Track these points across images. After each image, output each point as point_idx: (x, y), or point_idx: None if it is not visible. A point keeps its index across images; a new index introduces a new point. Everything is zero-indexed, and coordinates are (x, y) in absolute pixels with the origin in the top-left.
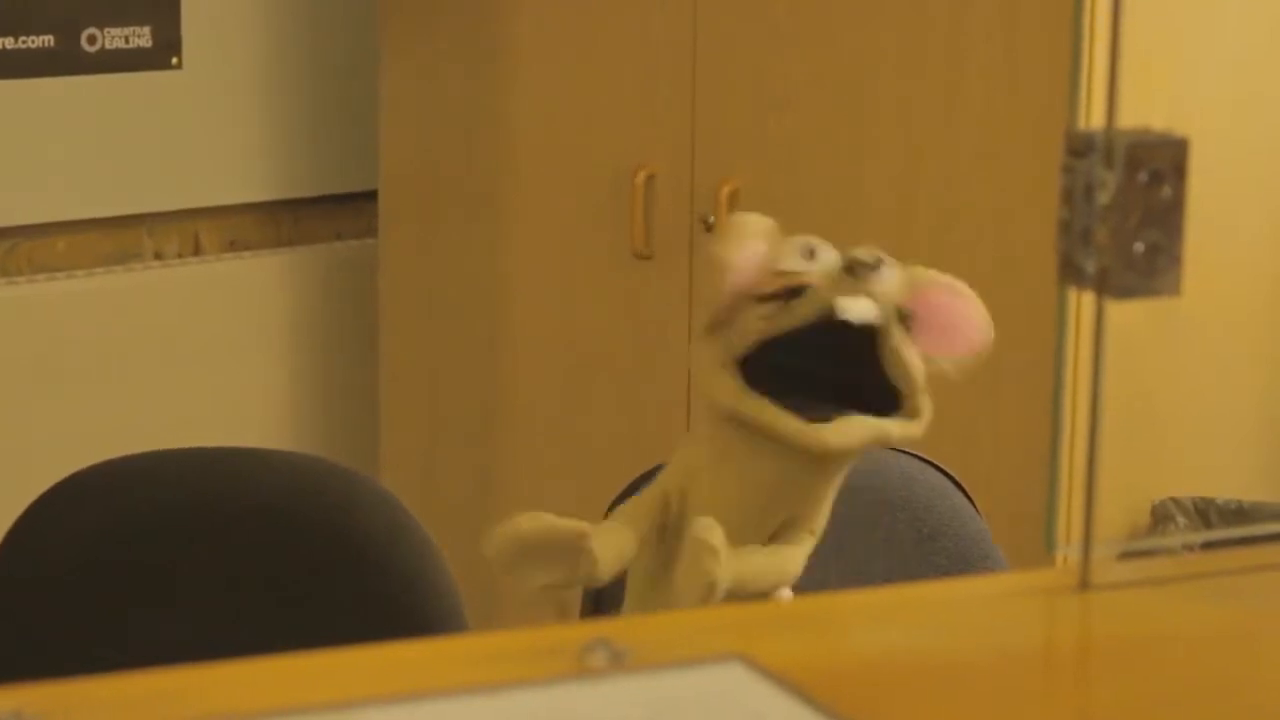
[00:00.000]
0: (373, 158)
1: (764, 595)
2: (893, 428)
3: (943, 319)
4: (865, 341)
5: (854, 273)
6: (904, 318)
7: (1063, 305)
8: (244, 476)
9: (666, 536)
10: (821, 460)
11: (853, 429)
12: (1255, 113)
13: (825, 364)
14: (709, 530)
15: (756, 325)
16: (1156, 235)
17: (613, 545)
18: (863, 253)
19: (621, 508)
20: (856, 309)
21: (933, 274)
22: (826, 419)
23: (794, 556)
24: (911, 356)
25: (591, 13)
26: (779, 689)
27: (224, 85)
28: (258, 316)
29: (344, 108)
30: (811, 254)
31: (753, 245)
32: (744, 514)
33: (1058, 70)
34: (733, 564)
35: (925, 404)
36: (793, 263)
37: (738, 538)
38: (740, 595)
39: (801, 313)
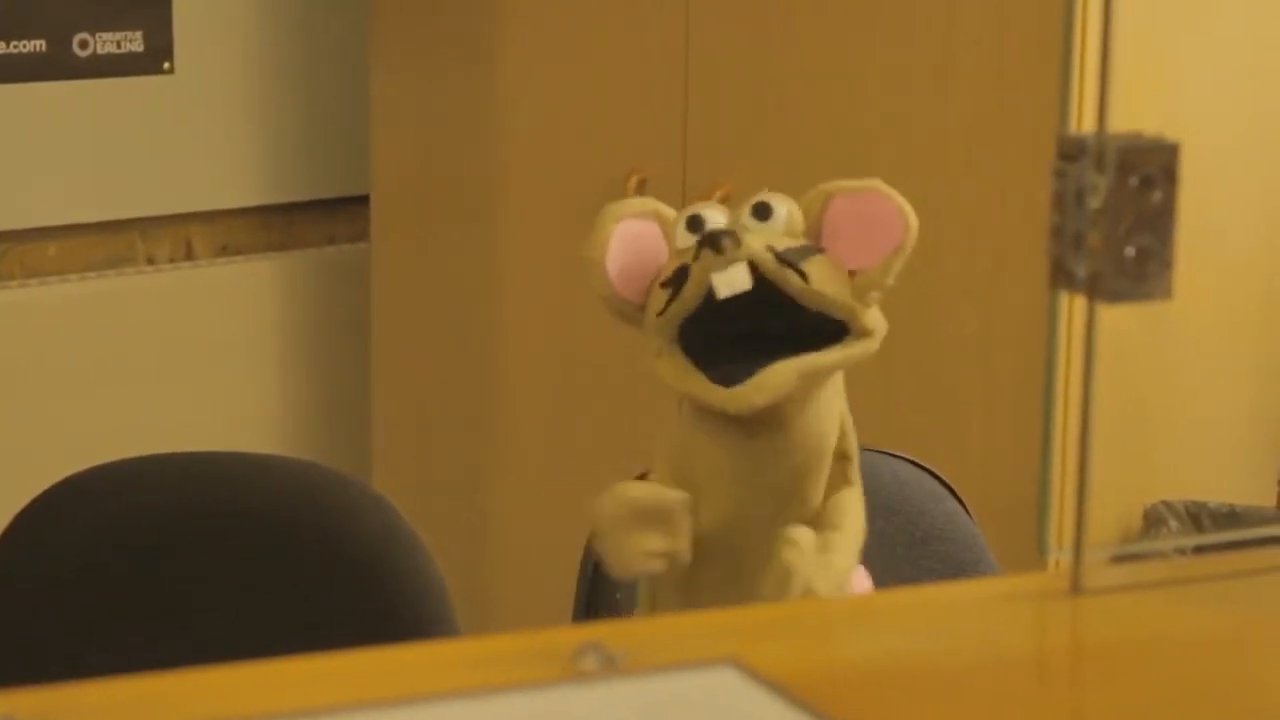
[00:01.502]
0: (365, 162)
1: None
2: (826, 357)
3: (855, 226)
4: (768, 293)
5: (715, 246)
6: (790, 257)
7: (1054, 309)
8: (236, 481)
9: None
10: (760, 422)
11: (775, 378)
12: (1246, 117)
13: (748, 321)
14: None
15: (661, 317)
16: (1148, 240)
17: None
18: (744, 211)
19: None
20: (729, 281)
21: (838, 183)
22: (743, 378)
23: (851, 553)
24: (827, 288)
25: (584, 17)
26: (772, 693)
27: (216, 90)
28: (250, 321)
29: (336, 112)
30: (696, 225)
31: (623, 229)
32: (745, 490)
33: (1049, 75)
34: (827, 578)
35: (872, 319)
36: (682, 239)
37: (751, 515)
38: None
39: (690, 299)
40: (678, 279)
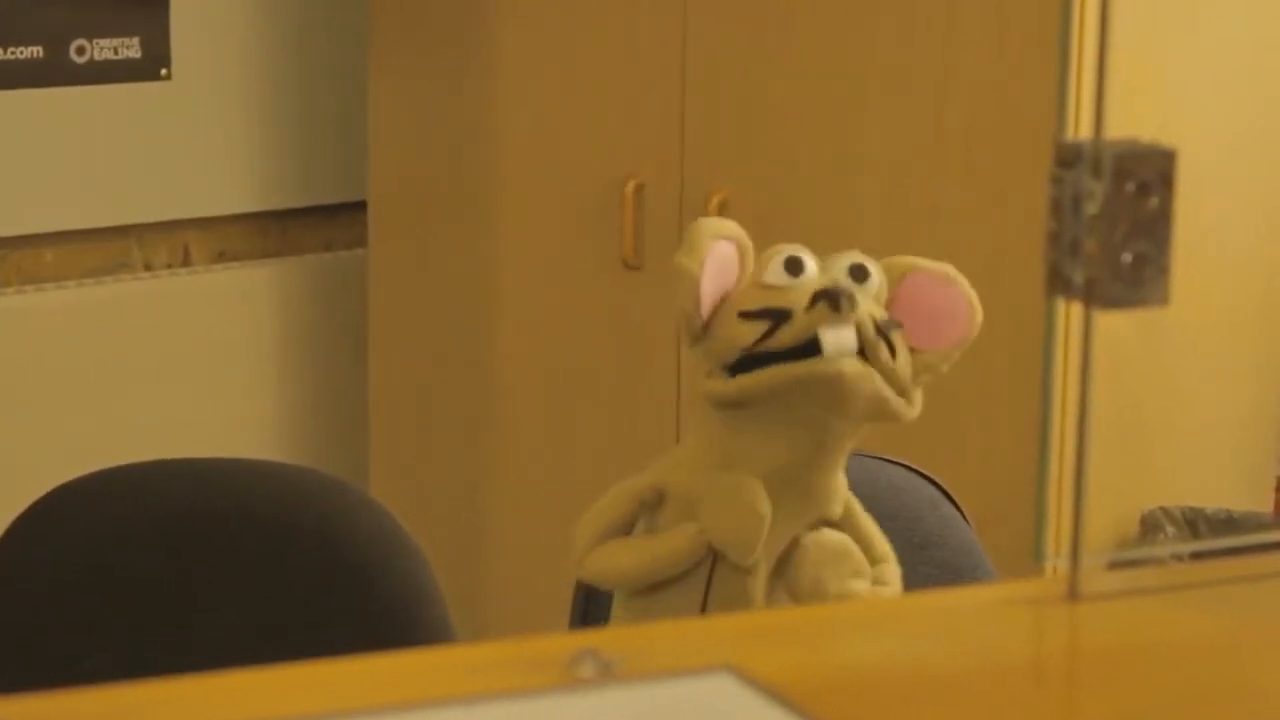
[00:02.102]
0: (362, 168)
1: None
2: (892, 394)
3: (928, 309)
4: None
5: (835, 304)
6: (885, 328)
7: (1051, 315)
8: (234, 487)
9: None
10: (828, 424)
11: (866, 370)
12: (1243, 124)
13: None
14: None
15: (740, 344)
16: (1144, 246)
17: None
18: (840, 268)
19: (600, 522)
20: (838, 342)
21: (918, 262)
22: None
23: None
24: (898, 367)
25: (580, 23)
26: (768, 700)
27: (213, 96)
28: (247, 327)
29: (333, 118)
30: (795, 268)
31: (717, 249)
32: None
33: (1046, 81)
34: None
35: (916, 398)
36: (776, 277)
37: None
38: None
39: (784, 340)
40: (773, 317)
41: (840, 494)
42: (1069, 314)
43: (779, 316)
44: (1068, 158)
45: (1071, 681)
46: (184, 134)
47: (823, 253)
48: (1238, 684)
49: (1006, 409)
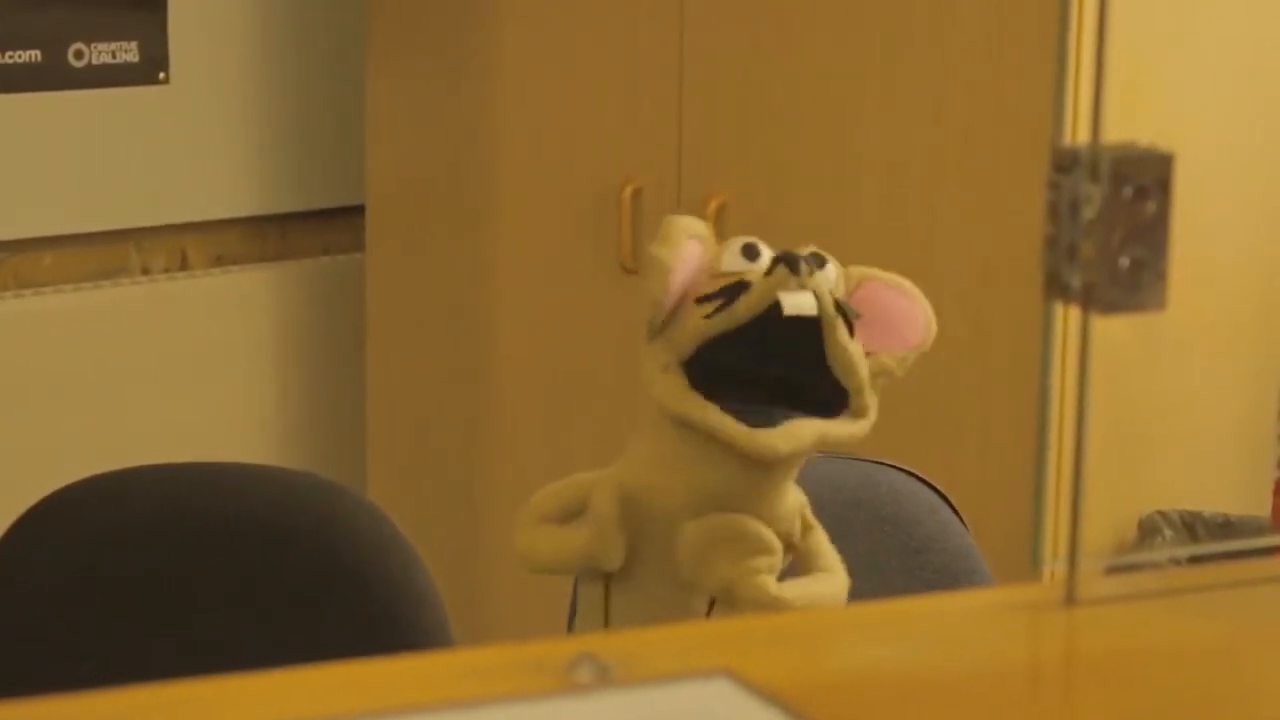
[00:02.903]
0: (360, 172)
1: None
2: (837, 428)
3: (883, 314)
4: (808, 338)
5: (793, 267)
6: (846, 314)
7: (1048, 320)
8: (231, 491)
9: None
10: (767, 466)
11: (801, 432)
12: (1240, 128)
13: (768, 362)
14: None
15: (698, 325)
16: (1141, 250)
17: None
18: (801, 251)
19: (543, 506)
20: (798, 302)
21: (874, 270)
22: (771, 421)
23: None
24: (855, 351)
25: (578, 27)
26: (766, 704)
27: (211, 100)
28: (245, 331)
29: (331, 122)
30: (752, 253)
31: (689, 246)
32: (705, 510)
33: (1043, 84)
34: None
35: (871, 401)
36: (733, 263)
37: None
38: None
39: (743, 309)
40: (729, 293)
41: (793, 509)
42: (1067, 318)
43: (737, 289)
44: (1065, 162)
45: (1069, 686)
46: (182, 138)
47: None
48: (1236, 688)
49: (1004, 413)
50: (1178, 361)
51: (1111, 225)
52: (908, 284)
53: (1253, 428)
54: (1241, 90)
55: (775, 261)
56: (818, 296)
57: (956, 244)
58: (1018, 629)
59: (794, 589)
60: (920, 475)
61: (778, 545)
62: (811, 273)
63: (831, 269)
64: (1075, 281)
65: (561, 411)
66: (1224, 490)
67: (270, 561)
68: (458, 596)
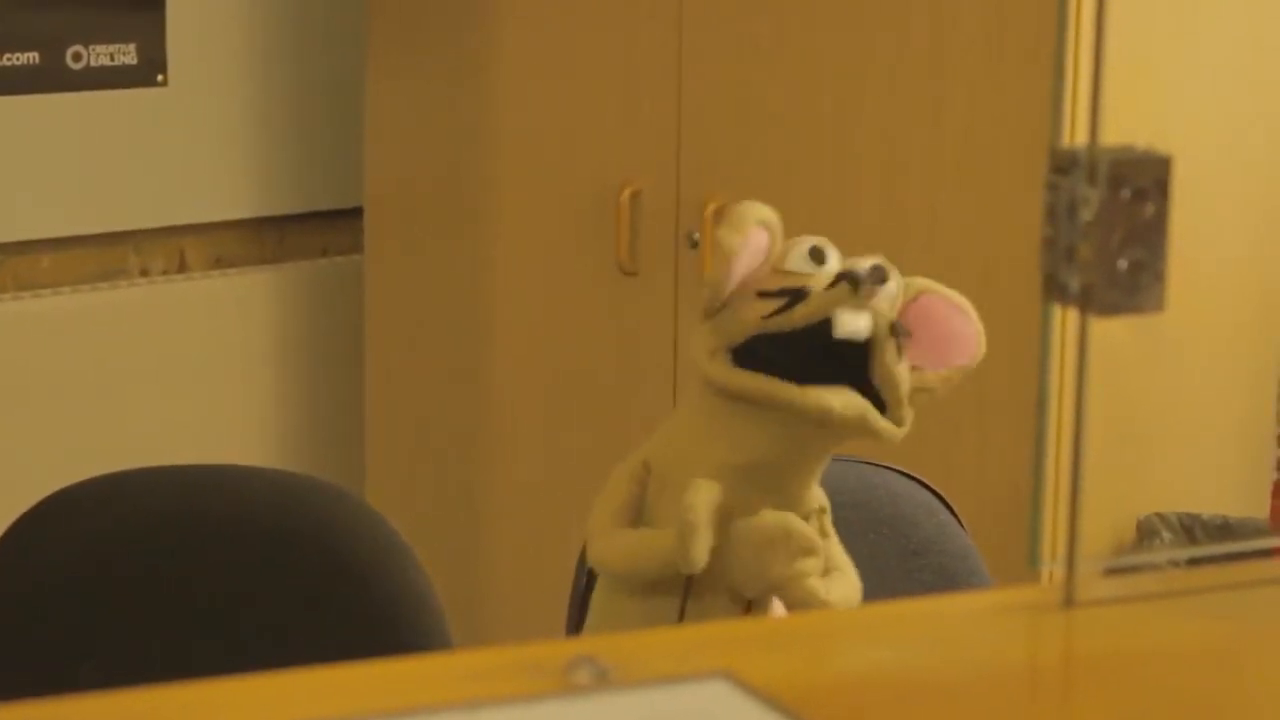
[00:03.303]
0: (358, 174)
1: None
2: (880, 420)
3: (936, 330)
4: (856, 352)
5: (855, 285)
6: (897, 331)
7: (1047, 322)
8: (229, 493)
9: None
10: (813, 434)
11: (853, 400)
12: (1238, 130)
13: (813, 365)
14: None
15: (754, 320)
16: (1140, 252)
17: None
18: (866, 265)
19: (607, 509)
20: (852, 325)
21: (934, 285)
22: (824, 384)
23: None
24: (900, 371)
25: (577, 30)
26: (764, 706)
27: (209, 102)
28: (244, 333)
29: (329, 124)
30: (818, 257)
31: (756, 234)
32: (733, 488)
33: (1041, 87)
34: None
35: (908, 414)
36: (798, 263)
37: (727, 511)
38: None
39: (799, 318)
40: (791, 295)
41: (815, 497)
42: (1065, 320)
43: (798, 295)
44: (1063, 164)
45: (1067, 688)
46: (180, 140)
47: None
48: (1234, 690)
49: (1003, 415)
50: (1176, 363)
51: (1110, 227)
52: (965, 302)
53: (1251, 429)
54: (1240, 92)
55: (839, 277)
56: (875, 319)
57: (955, 246)
58: (1016, 631)
59: (835, 592)
60: (919, 477)
61: (821, 545)
62: (873, 293)
63: (893, 283)
64: (1074, 283)
65: (560, 413)
66: (1222, 492)
67: (269, 563)
68: (456, 598)
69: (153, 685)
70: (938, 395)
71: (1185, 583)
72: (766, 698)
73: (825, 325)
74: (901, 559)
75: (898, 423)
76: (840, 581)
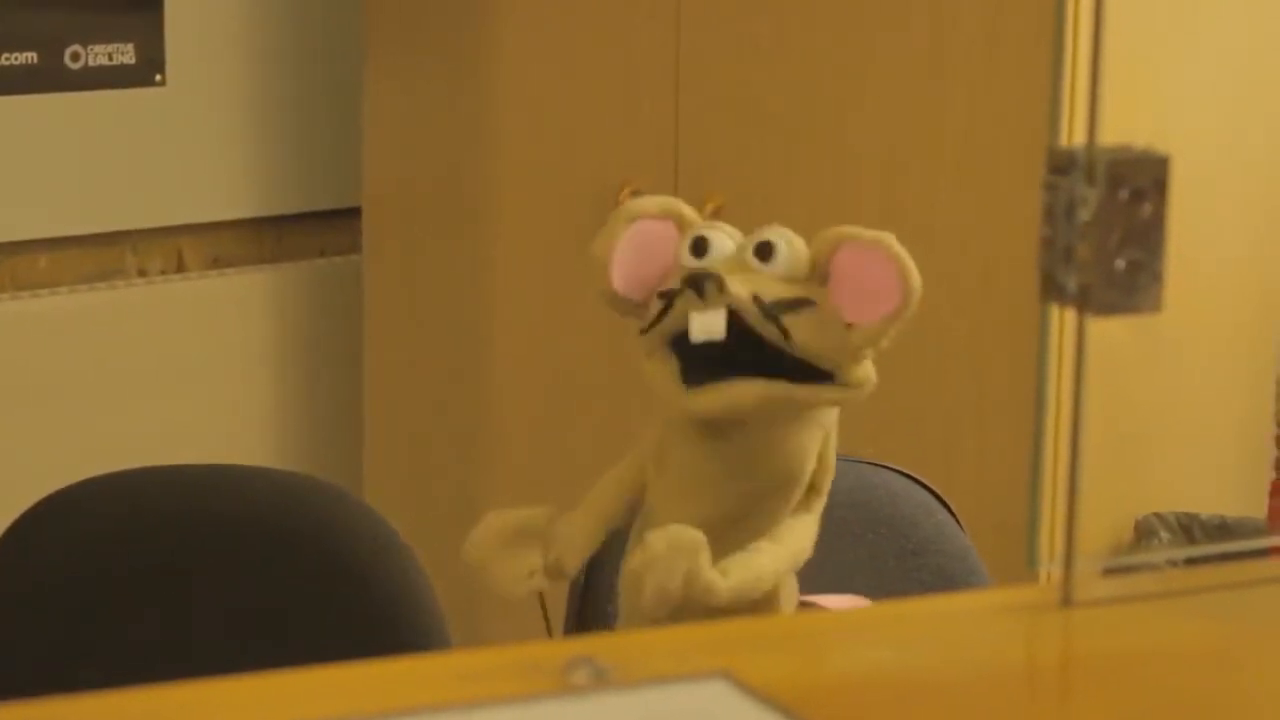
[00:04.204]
0: (357, 174)
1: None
2: (796, 391)
3: (857, 280)
4: (746, 337)
5: (699, 290)
6: (782, 308)
7: (1045, 322)
8: (228, 493)
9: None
10: (715, 429)
11: (733, 393)
12: (1236, 130)
13: (739, 355)
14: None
15: (648, 321)
16: (1138, 252)
17: (576, 532)
18: (747, 250)
19: (586, 497)
20: (705, 328)
21: (850, 230)
22: (701, 383)
23: (793, 541)
24: (809, 342)
25: (575, 29)
26: (763, 706)
27: (208, 102)
28: (242, 333)
29: (328, 124)
30: (699, 249)
31: (635, 231)
32: (701, 487)
33: (1039, 86)
34: (733, 576)
35: (858, 373)
36: (684, 258)
37: (702, 511)
38: (753, 597)
39: (668, 326)
40: (664, 302)
41: (807, 472)
42: (1063, 320)
43: (668, 302)
44: (1061, 164)
45: (1065, 688)
46: (178, 140)
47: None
48: (1232, 690)
49: (1001, 415)
50: (1174, 363)
51: (1108, 227)
52: (887, 241)
53: (1249, 429)
54: (1238, 92)
55: (682, 284)
56: (740, 311)
57: (953, 245)
58: (1014, 630)
59: (734, 575)
60: (917, 477)
61: (700, 539)
62: (720, 289)
63: (783, 253)
64: (1071, 283)
65: (559, 413)
66: (1221, 492)
67: (267, 563)
68: (455, 598)
69: (152, 685)
70: (881, 345)
71: (1183, 582)
72: (765, 698)
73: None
74: (900, 559)
75: (847, 384)
76: (747, 559)
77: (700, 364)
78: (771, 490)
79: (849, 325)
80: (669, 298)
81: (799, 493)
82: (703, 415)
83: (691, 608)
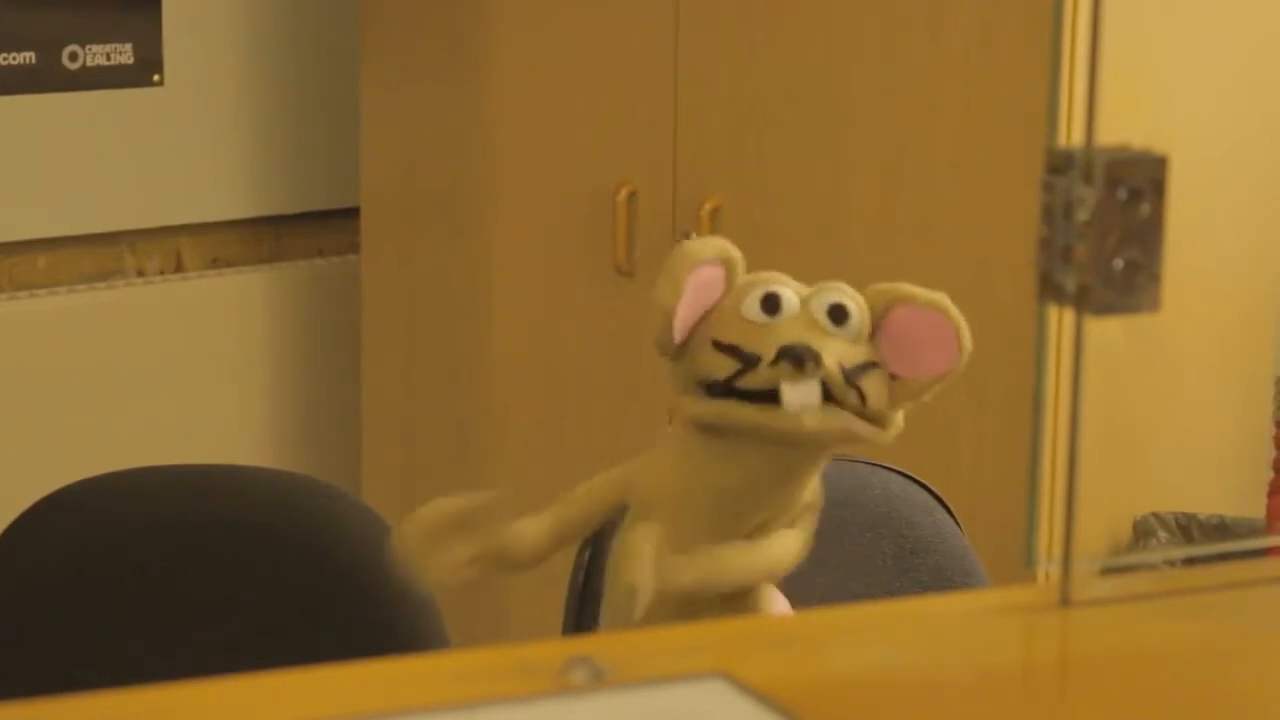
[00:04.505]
0: (354, 174)
1: (746, 589)
2: (863, 426)
3: (914, 341)
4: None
5: (798, 363)
6: (861, 373)
7: (1042, 322)
8: (226, 493)
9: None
10: (792, 455)
11: (829, 414)
12: (1234, 130)
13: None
14: (641, 539)
15: (710, 375)
16: (1136, 252)
17: (528, 529)
18: (819, 306)
19: (555, 503)
20: (800, 400)
21: (903, 292)
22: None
23: (772, 548)
24: (870, 406)
25: (573, 30)
26: (761, 706)
27: (205, 102)
28: (240, 333)
29: (325, 124)
30: (771, 307)
31: (699, 276)
32: (714, 519)
33: (1037, 86)
34: (698, 563)
35: (894, 421)
36: (752, 313)
37: (712, 541)
38: (718, 589)
39: (749, 384)
40: (743, 359)
41: (807, 496)
42: (1061, 320)
43: (747, 360)
44: (1059, 164)
45: (1063, 688)
46: (177, 140)
47: (815, 267)
48: (1230, 690)
49: (999, 415)
50: (1172, 363)
51: (1106, 227)
52: (941, 301)
53: (1247, 429)
54: (1236, 92)
55: (780, 354)
56: (827, 381)
57: (951, 246)
58: (1012, 631)
59: (688, 572)
60: (915, 477)
61: (654, 530)
62: (818, 365)
63: (854, 319)
64: (1069, 283)
65: (557, 414)
66: (1219, 492)
67: (265, 563)
68: (453, 598)
69: (150, 685)
70: (924, 400)
71: (1181, 582)
72: (763, 697)
73: (776, 394)
74: (897, 559)
75: (889, 428)
76: (713, 549)
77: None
78: (773, 517)
79: (894, 377)
80: (746, 359)
81: (794, 511)
82: (798, 431)
83: (664, 600)
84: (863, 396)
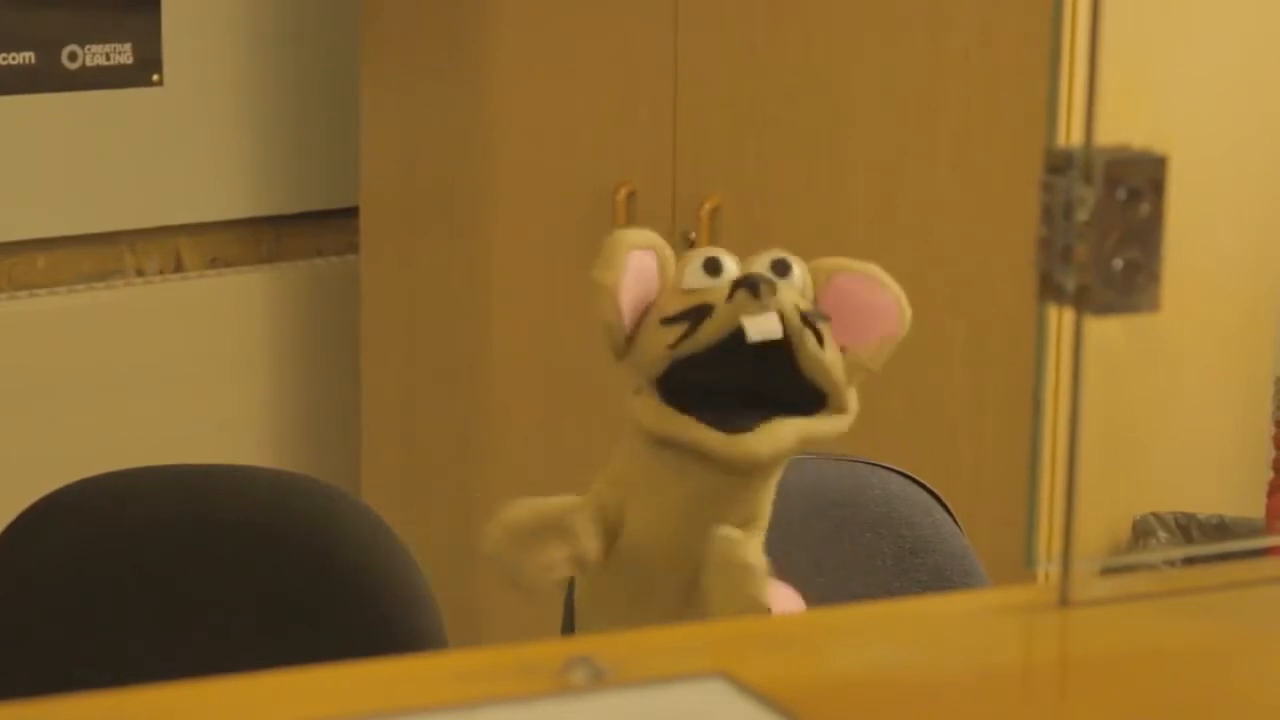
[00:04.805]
0: (354, 174)
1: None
2: (818, 426)
3: (855, 307)
4: (777, 352)
5: (754, 290)
6: (811, 318)
7: (1042, 322)
8: (225, 493)
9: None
10: (750, 470)
11: (780, 433)
12: (1234, 130)
13: (741, 375)
14: (741, 548)
15: (664, 350)
16: (1135, 252)
17: (597, 521)
18: (762, 265)
19: (588, 495)
20: (762, 328)
21: (842, 262)
22: (749, 425)
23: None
24: (827, 356)
25: (572, 30)
26: (760, 706)
27: (205, 102)
28: (239, 333)
29: (325, 124)
30: (714, 269)
31: (636, 260)
32: (678, 532)
33: (1037, 86)
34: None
35: (851, 398)
36: (695, 280)
37: (677, 554)
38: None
39: (707, 335)
40: (694, 316)
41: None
42: (1060, 320)
43: (700, 313)
44: (1059, 164)
45: (1063, 688)
46: (176, 140)
47: (810, 258)
48: (1230, 690)
49: (998, 414)
50: (1172, 363)
51: (1105, 227)
52: (877, 271)
53: (1247, 429)
54: (1236, 92)
55: (735, 285)
56: (783, 314)
57: (950, 246)
58: (1012, 631)
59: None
60: (914, 476)
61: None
62: (773, 292)
63: (797, 273)
64: (1069, 283)
65: (556, 414)
66: (1218, 492)
67: (264, 563)
68: (452, 598)
69: (150, 685)
70: (873, 370)
71: (1181, 582)
72: (763, 697)
73: (736, 335)
74: (897, 558)
75: (840, 409)
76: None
77: (692, 397)
78: (748, 517)
79: (842, 349)
80: (695, 315)
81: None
82: (748, 460)
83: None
84: (819, 337)
